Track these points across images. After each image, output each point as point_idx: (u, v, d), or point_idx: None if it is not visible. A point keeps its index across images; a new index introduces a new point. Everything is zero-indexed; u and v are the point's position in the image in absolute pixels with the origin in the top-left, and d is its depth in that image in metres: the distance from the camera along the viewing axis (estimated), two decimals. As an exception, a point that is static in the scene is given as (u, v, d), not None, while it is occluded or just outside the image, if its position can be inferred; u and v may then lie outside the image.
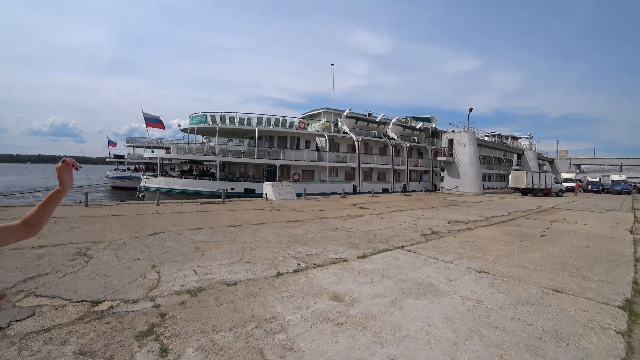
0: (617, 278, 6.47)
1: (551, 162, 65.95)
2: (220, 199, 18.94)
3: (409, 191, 33.88)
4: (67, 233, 8.73)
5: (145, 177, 29.88)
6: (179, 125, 31.42)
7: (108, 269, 5.80)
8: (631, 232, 12.17)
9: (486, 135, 53.43)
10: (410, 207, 18.58)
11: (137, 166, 45.07)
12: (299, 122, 29.56)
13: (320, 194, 27.33)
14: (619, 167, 59.48)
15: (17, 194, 31.91)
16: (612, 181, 44.64)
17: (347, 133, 31.50)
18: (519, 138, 60.51)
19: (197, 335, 3.51)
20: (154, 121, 30.88)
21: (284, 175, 29.12)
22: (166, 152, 38.13)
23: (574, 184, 43.77)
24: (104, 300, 4.36)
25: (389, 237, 9.47)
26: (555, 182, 33.59)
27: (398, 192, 29.58)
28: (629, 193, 42.74)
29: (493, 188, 44.50)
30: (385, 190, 32.46)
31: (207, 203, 18.31)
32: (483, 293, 5.26)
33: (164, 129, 31.39)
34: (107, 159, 49.52)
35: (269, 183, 22.24)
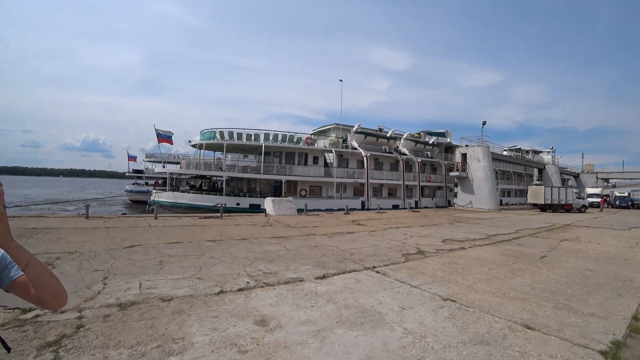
0: (614, 311, 5.36)
1: (576, 176, 62.13)
2: (225, 214, 18.70)
3: (420, 207, 32.46)
4: (50, 243, 8.72)
5: (155, 191, 30.17)
6: (190, 142, 31.66)
7: (62, 278, 5.36)
8: (651, 253, 10.67)
9: (505, 150, 51.22)
10: (412, 224, 17.46)
11: (156, 181, 45.95)
12: (307, 138, 29.11)
13: (326, 210, 26.56)
14: None
15: (26, 205, 32.73)
16: None
17: (355, 148, 30.70)
18: (541, 152, 57.57)
19: (95, 350, 3.43)
20: (165, 137, 31.31)
21: (290, 191, 28.55)
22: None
23: (599, 200, 40.85)
24: (34, 309, 4.30)
25: (366, 257, 8.67)
26: (577, 198, 31.30)
27: (406, 208, 28.32)
28: (660, 209, 39.39)
29: (512, 204, 42.12)
30: (395, 207, 31.19)
31: (204, 217, 18.22)
32: (434, 326, 4.40)
33: (172, 144, 31.76)
34: (126, 174, 50.75)
35: (269, 199, 21.83)
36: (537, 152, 56.30)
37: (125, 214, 22.51)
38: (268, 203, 21.42)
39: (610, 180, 61.48)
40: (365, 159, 30.22)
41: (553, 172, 47.77)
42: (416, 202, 33.37)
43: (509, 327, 4.51)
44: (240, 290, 5.53)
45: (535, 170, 50.53)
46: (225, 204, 21.56)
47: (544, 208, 30.40)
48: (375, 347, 3.71)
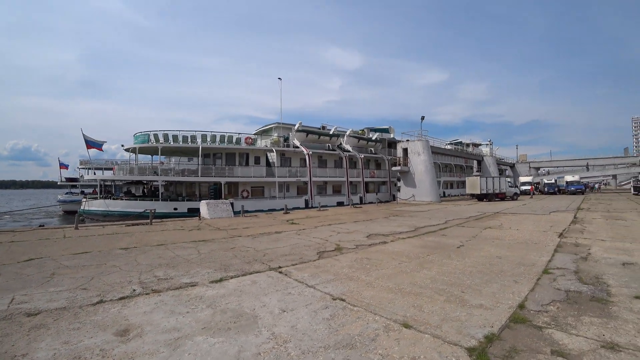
0: (503, 300, 5.08)
1: (512, 166, 66.29)
2: (158, 219, 17.80)
3: (364, 203, 32.54)
4: None
5: (85, 200, 27.75)
6: (123, 146, 29.43)
7: None
8: (560, 235, 10.96)
9: (448, 144, 53.18)
10: (347, 220, 17.08)
11: (93, 189, 42.55)
12: (246, 139, 27.99)
13: (269, 210, 25.71)
14: (578, 167, 60.12)
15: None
16: (567, 182, 44.60)
17: (297, 147, 30.04)
18: (480, 145, 60.62)
19: None
20: (93, 144, 28.95)
21: (231, 192, 27.33)
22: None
23: (529, 187, 43.56)
24: None
25: (279, 256, 8.25)
26: (510, 187, 32.93)
27: (348, 205, 28.16)
28: (582, 193, 42.76)
29: (454, 195, 43.74)
30: (340, 204, 30.95)
31: (132, 225, 16.94)
32: (305, 330, 4.03)
33: (102, 151, 29.39)
34: (58, 183, 46.51)
35: (204, 201, 20.79)
36: (476, 145, 59.13)
37: (43, 225, 20.18)
38: (203, 206, 20.57)
39: (540, 169, 66.26)
40: (307, 157, 29.66)
41: (490, 164, 50.35)
42: (361, 198, 33.39)
43: (386, 327, 4.12)
44: (121, 299, 5.19)
45: (475, 162, 53.00)
46: (154, 209, 20.08)
47: (480, 197, 31.64)
48: (227, 355, 3.45)
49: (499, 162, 61.73)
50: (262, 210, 25.45)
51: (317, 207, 24.66)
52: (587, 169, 59.53)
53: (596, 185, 62.13)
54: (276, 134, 31.07)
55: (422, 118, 34.45)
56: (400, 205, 27.97)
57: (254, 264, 7.49)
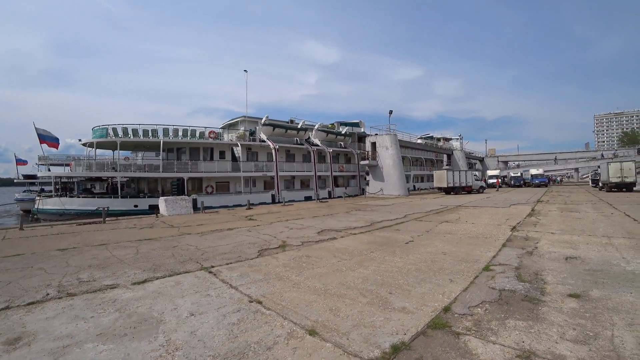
0: (430, 302, 4.63)
1: (481, 160, 67.64)
2: (114, 218, 17.22)
3: (333, 197, 32.08)
4: None
5: (39, 198, 25.98)
6: (80, 140, 27.64)
7: None
8: (513, 229, 10.75)
9: (419, 138, 53.47)
10: (307, 215, 16.52)
11: (55, 186, 40.25)
12: (210, 132, 26.84)
13: (234, 206, 24.84)
14: (548, 161, 61.85)
15: None
16: (531, 175, 45.69)
17: (264, 141, 29.15)
18: (451, 139, 61.40)
19: None
20: (49, 139, 27.13)
21: (195, 188, 26.20)
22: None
23: (495, 180, 44.40)
24: None
25: (217, 255, 7.88)
26: (476, 180, 33.26)
27: (315, 200, 27.63)
28: (546, 185, 43.99)
29: (424, 189, 43.99)
30: (308, 198, 30.33)
31: (84, 224, 16.07)
32: (204, 336, 3.72)
33: (57, 148, 27.57)
34: (15, 180, 43.61)
35: (162, 198, 19.81)
36: (447, 140, 59.80)
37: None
38: (161, 203, 19.69)
39: (509, 163, 67.98)
40: (274, 151, 28.83)
41: (460, 157, 51.03)
42: (329, 192, 32.92)
43: (289, 334, 3.75)
44: (29, 304, 4.87)
45: (445, 156, 53.57)
46: (107, 207, 18.85)
47: (447, 191, 31.78)
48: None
49: (469, 156, 62.77)
50: (226, 206, 24.56)
51: (282, 203, 23.96)
52: (556, 162, 61.24)
53: (558, 178, 64.36)
54: (242, 128, 30.08)
55: (390, 112, 34.21)
56: (367, 199, 27.66)
57: (187, 263, 7.11)
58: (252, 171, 28.02)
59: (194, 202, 24.19)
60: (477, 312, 4.25)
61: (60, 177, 28.78)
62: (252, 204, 26.01)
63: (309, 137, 33.94)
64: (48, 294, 5.26)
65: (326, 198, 30.64)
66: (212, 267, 6.74)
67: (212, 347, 3.45)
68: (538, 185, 43.22)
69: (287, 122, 32.73)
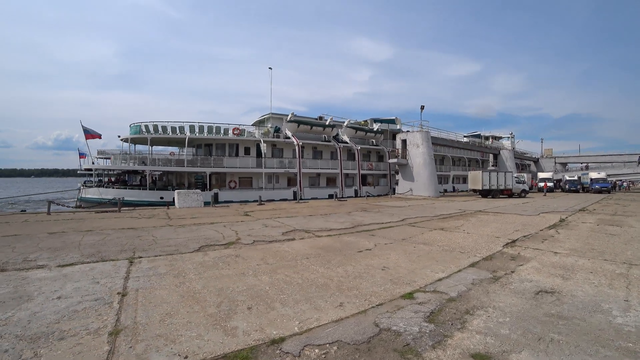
0: (273, 328, 3.47)
1: (536, 161, 60.41)
2: (131, 208, 17.94)
3: (359, 196, 30.29)
4: None
5: (82, 188, 27.89)
6: (119, 136, 29.21)
7: None
8: (510, 244, 8.63)
9: (465, 136, 49.24)
10: (304, 214, 15.32)
11: (108, 178, 43.62)
12: (233, 129, 26.66)
13: (254, 201, 24.44)
14: (626, 163, 52.99)
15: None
16: (591, 179, 39.29)
17: (288, 138, 28.34)
18: (501, 138, 55.62)
19: None
20: (92, 133, 29.09)
21: (218, 183, 26.25)
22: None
23: (550, 184, 39.16)
24: None
25: (161, 247, 7.80)
26: (517, 182, 29.34)
27: (337, 198, 26.18)
28: (608, 191, 37.49)
29: (463, 191, 40.05)
30: (332, 196, 28.98)
31: (101, 211, 16.91)
32: (32, 317, 3.88)
33: (100, 138, 29.34)
34: (78, 171, 47.93)
35: (177, 191, 20.01)
36: (496, 138, 54.29)
37: (25, 210, 20.24)
38: (175, 195, 19.85)
39: (568, 165, 59.97)
40: (297, 147, 27.87)
41: (508, 157, 45.79)
42: (355, 191, 31.14)
43: (96, 330, 3.16)
44: None
45: (491, 155, 48.54)
46: (123, 198, 19.52)
47: (484, 194, 28.41)
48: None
49: (521, 157, 56.42)
50: (247, 201, 24.23)
51: (298, 200, 22.99)
52: (639, 164, 51.84)
53: (625, 184, 55.25)
54: (270, 125, 29.60)
55: (422, 108, 31.26)
56: (388, 200, 25.56)
57: (125, 252, 7.18)
58: (275, 167, 27.38)
59: (216, 196, 24.24)
60: (308, 354, 2.87)
61: (99, 169, 30.50)
62: (272, 200, 25.47)
63: (337, 134, 32.48)
64: None
65: (343, 197, 28.95)
66: (140, 257, 6.72)
67: (26, 328, 3.54)
68: (599, 191, 36.83)
69: (315, 119, 31.61)
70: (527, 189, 30.42)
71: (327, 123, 30.86)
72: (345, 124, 32.66)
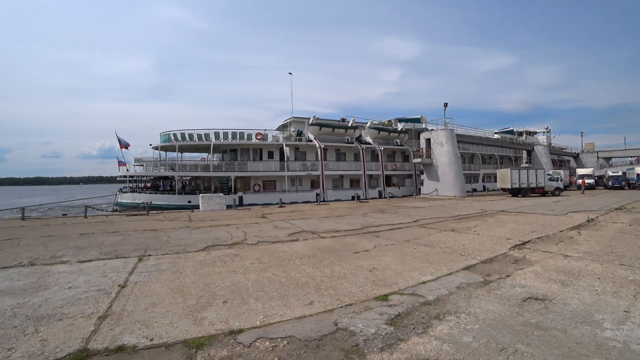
0: (223, 323, 3.46)
1: (576, 157, 56.32)
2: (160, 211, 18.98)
3: (382, 197, 29.84)
4: None
5: (118, 193, 29.65)
6: (151, 144, 30.80)
7: None
8: (519, 246, 8.18)
9: (496, 132, 47.08)
10: (320, 215, 15.38)
11: (144, 184, 46.13)
12: (256, 134, 27.27)
13: (276, 204, 24.89)
14: None
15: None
16: (637, 175, 35.74)
17: (310, 141, 28.51)
18: (536, 133, 52.45)
19: None
20: (125, 144, 31.19)
21: (243, 186, 26.92)
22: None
23: (590, 181, 36.36)
24: None
25: (171, 246, 8.30)
26: (550, 180, 27.57)
27: (359, 199, 25.94)
28: (658, 188, 34.09)
29: (492, 190, 38.18)
30: (354, 198, 28.79)
31: (131, 214, 18.12)
32: (35, 302, 4.63)
33: (128, 148, 31.35)
34: (117, 178, 51.03)
35: (201, 195, 20.87)
36: (530, 133, 51.30)
37: (66, 214, 21.92)
38: (200, 199, 20.62)
39: (612, 160, 55.39)
40: (319, 150, 27.97)
41: (542, 154, 43.06)
42: (379, 192, 30.69)
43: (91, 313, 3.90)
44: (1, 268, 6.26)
45: (524, 152, 45.91)
46: (150, 202, 20.59)
47: (514, 193, 26.97)
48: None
49: (558, 152, 52.94)
50: (270, 204, 24.69)
51: (317, 202, 23.09)
52: None
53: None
54: (293, 129, 29.97)
55: (445, 105, 30.22)
56: (410, 201, 24.96)
57: (137, 251, 7.72)
58: (297, 170, 27.66)
59: (240, 199, 24.90)
60: (258, 345, 3.23)
61: (132, 176, 32.09)
62: (295, 202, 25.75)
63: (360, 135, 32.23)
64: (21, 263, 6.61)
65: (367, 199, 28.58)
66: (149, 255, 7.23)
67: (36, 310, 4.16)
68: (648, 188, 33.63)
69: (338, 121, 31.57)
70: (562, 186, 28.48)
71: (349, 125, 30.73)
72: (368, 124, 32.36)
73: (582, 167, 49.09)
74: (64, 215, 21.09)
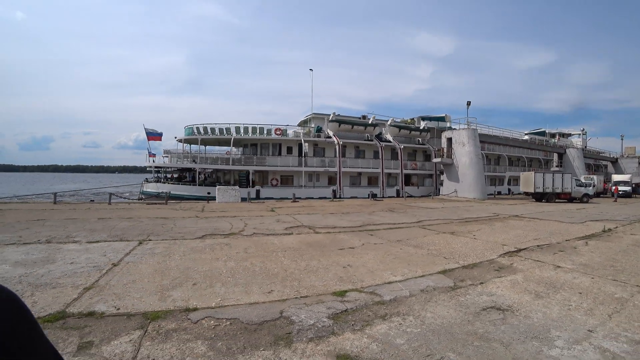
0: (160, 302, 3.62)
1: (614, 162, 52.57)
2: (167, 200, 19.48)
3: (400, 197, 29.44)
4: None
5: (144, 183, 31.09)
6: (175, 137, 31.95)
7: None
8: (512, 253, 7.97)
9: (526, 134, 44.96)
10: (327, 212, 15.50)
11: (171, 174, 48.02)
12: (275, 130, 27.72)
13: (290, 198, 25.31)
14: None
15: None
16: None
17: (329, 137, 28.60)
18: (570, 135, 49.49)
19: None
20: (153, 135, 32.22)
21: (261, 180, 27.50)
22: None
23: (627, 188, 33.98)
24: None
25: (173, 233, 8.87)
26: (578, 185, 26.05)
27: (376, 197, 25.77)
28: None
29: (517, 193, 36.53)
30: (373, 196, 28.63)
31: (151, 203, 19.35)
32: (40, 273, 5.18)
33: (161, 140, 32.40)
34: (147, 169, 53.42)
35: (217, 187, 21.61)
36: (564, 135, 48.43)
37: (93, 200, 23.39)
38: (216, 191, 21.38)
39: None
40: (337, 146, 28.01)
41: (575, 157, 40.57)
42: (397, 191, 30.32)
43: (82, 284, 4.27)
44: (24, 244, 6.98)
45: (555, 155, 43.45)
46: (169, 192, 21.56)
47: (538, 197, 25.75)
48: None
49: (595, 156, 49.73)
50: (286, 198, 25.10)
51: (333, 198, 23.23)
52: None
53: None
54: (313, 125, 30.17)
55: (469, 103, 29.22)
56: (425, 201, 24.47)
57: (141, 236, 8.27)
58: (315, 166, 27.88)
59: (257, 192, 25.48)
60: (204, 323, 3.58)
61: (158, 167, 33.34)
62: (311, 198, 26.01)
63: (380, 133, 31.91)
64: (39, 240, 7.35)
65: (382, 197, 28.30)
66: (149, 240, 7.76)
67: (38, 279, 4.76)
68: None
69: (358, 118, 31.42)
70: (591, 193, 26.83)
71: (369, 122, 30.52)
72: (388, 122, 31.97)
73: (621, 172, 45.86)
74: (91, 201, 22.55)
